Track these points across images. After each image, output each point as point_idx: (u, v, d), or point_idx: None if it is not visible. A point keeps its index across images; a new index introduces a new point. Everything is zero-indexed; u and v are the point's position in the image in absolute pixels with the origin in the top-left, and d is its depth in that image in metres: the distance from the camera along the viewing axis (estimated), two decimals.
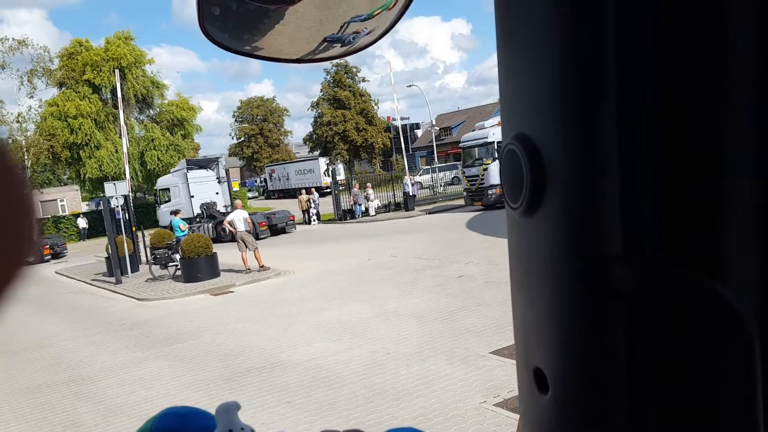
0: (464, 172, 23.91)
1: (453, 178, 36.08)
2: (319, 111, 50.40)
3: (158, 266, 15.53)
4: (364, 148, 50.19)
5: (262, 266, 14.46)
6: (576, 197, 0.36)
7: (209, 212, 25.59)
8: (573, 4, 0.35)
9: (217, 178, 27.56)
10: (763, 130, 0.32)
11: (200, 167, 27.46)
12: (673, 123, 0.33)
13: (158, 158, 41.78)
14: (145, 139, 42.57)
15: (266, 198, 55.00)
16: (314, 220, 27.49)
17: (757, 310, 0.33)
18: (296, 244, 20.55)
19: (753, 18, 0.32)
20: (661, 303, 0.34)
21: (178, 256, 14.84)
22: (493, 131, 22.02)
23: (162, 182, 29.20)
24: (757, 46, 0.32)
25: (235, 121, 67.48)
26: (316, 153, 51.92)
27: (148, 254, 16.97)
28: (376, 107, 50.79)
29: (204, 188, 26.83)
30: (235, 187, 61.44)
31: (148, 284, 15.04)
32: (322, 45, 0.74)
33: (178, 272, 14.84)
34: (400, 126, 33.15)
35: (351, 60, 58.52)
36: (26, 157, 38.32)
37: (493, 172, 21.38)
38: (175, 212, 18.56)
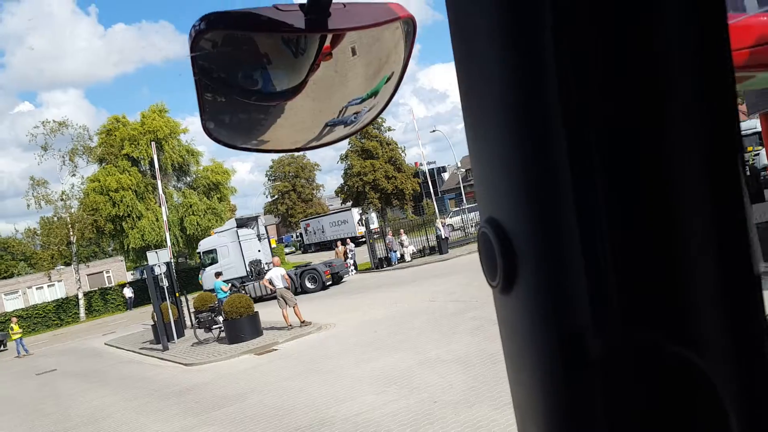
0: None
1: None
2: (349, 163, 51.26)
3: (202, 330, 15.79)
4: (395, 195, 50.65)
5: (303, 321, 14.56)
6: (544, 276, 0.38)
7: (257, 270, 24.92)
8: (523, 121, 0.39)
9: (257, 235, 27.35)
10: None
11: (241, 226, 26.99)
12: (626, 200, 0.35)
13: (197, 223, 42.84)
14: (184, 205, 43.78)
15: (303, 252, 55.53)
16: (352, 271, 27.61)
17: (727, 377, 0.34)
18: (335, 295, 20.64)
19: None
20: (634, 370, 0.34)
21: (221, 318, 15.09)
22: None
23: (206, 244, 27.74)
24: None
25: (268, 179, 69.16)
26: (349, 204, 52.58)
27: (192, 318, 17.29)
28: (403, 154, 51.44)
29: (248, 246, 26.38)
30: (273, 244, 62.69)
31: (194, 348, 15.27)
32: (325, 129, 0.79)
33: (222, 334, 15.06)
34: (427, 171, 33.36)
35: None
36: (71, 233, 39.69)
37: None
38: (217, 274, 18.95)
